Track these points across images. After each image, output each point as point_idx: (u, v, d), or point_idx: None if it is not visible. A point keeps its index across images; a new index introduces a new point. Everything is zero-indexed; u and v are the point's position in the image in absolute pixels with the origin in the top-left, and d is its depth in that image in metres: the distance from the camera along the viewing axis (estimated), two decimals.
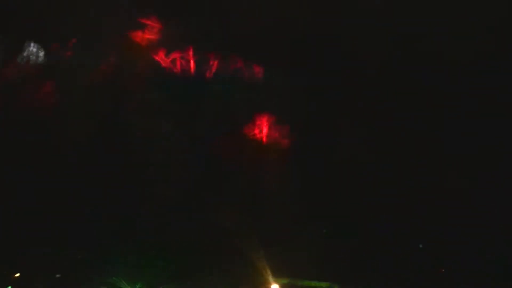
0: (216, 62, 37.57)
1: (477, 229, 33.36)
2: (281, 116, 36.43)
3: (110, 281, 31.22)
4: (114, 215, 33.50)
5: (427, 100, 35.97)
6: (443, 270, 33.31)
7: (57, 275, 32.35)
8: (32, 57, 36.54)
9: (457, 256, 33.34)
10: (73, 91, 36.04)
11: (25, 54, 36.47)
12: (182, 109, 36.34)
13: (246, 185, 34.74)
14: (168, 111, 35.94)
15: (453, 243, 33.48)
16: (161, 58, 37.32)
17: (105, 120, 35.39)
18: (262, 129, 36.50)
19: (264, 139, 36.44)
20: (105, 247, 32.38)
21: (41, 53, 36.68)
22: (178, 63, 37.60)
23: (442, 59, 35.96)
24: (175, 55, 37.58)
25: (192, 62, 37.53)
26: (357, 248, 33.31)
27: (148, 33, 37.73)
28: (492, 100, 35.17)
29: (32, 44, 36.60)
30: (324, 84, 36.62)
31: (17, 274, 31.95)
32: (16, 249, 32.21)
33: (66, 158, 34.52)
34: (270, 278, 31.85)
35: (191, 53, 37.57)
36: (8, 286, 31.76)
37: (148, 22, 37.75)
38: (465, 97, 35.46)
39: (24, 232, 32.49)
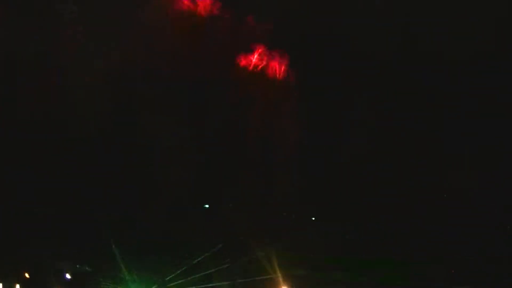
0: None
1: (477, 229, 33.51)
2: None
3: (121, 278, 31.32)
4: (122, 215, 33.58)
5: (427, 100, 36.00)
6: (453, 271, 33.44)
7: (77, 266, 32.49)
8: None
9: (457, 256, 33.48)
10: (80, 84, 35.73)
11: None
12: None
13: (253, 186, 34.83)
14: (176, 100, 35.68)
15: (453, 243, 33.65)
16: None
17: (109, 117, 35.35)
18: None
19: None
20: (110, 247, 32.43)
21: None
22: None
23: (442, 59, 35.97)
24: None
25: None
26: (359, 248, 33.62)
27: None
28: (492, 100, 35.22)
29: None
30: (324, 84, 36.64)
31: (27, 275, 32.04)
32: (21, 249, 32.32)
33: (72, 156, 34.56)
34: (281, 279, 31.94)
35: None
36: (16, 284, 31.94)
37: None
38: (465, 97, 35.50)
39: (28, 232, 32.63)
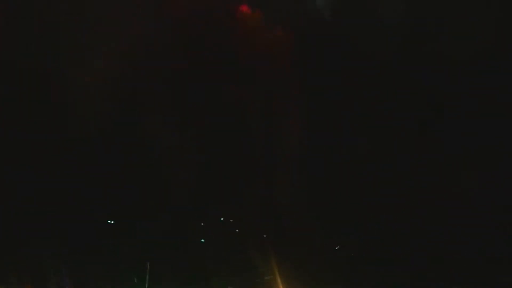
0: None
1: (477, 229, 33.56)
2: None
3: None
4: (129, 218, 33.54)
5: (427, 100, 36.01)
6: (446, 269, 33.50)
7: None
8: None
9: (457, 256, 33.52)
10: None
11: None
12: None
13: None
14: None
15: (453, 243, 33.69)
16: None
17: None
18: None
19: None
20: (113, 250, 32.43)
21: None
22: None
23: (442, 59, 35.95)
24: None
25: None
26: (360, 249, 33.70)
27: None
28: (492, 100, 35.21)
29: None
30: (324, 84, 36.59)
31: None
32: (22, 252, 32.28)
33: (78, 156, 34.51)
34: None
35: None
36: None
37: None
38: (465, 97, 35.49)
39: (29, 233, 32.62)
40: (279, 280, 31.89)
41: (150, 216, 33.33)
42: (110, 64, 34.80)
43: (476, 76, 35.38)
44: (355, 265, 33.57)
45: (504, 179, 34.17)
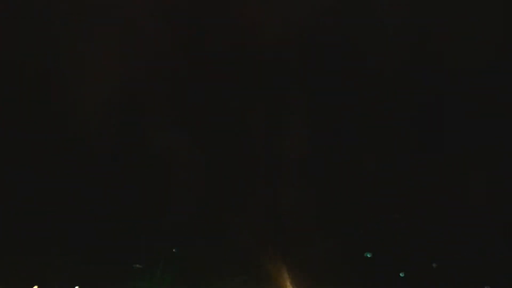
0: None
1: (477, 229, 33.62)
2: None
3: None
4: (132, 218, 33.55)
5: (427, 100, 36.03)
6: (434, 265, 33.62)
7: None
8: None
9: (457, 255, 33.61)
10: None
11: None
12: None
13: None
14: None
15: (453, 243, 33.76)
16: None
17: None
18: None
19: None
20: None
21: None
22: None
23: (442, 59, 35.98)
24: None
25: None
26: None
27: None
28: (492, 100, 35.25)
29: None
30: (324, 84, 36.59)
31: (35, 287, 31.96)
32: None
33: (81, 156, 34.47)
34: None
35: None
36: None
37: None
38: (465, 97, 35.52)
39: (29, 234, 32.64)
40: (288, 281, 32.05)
41: (153, 217, 33.39)
42: (113, 64, 34.89)
43: (476, 76, 35.45)
44: (356, 266, 33.62)
45: (504, 179, 34.25)
